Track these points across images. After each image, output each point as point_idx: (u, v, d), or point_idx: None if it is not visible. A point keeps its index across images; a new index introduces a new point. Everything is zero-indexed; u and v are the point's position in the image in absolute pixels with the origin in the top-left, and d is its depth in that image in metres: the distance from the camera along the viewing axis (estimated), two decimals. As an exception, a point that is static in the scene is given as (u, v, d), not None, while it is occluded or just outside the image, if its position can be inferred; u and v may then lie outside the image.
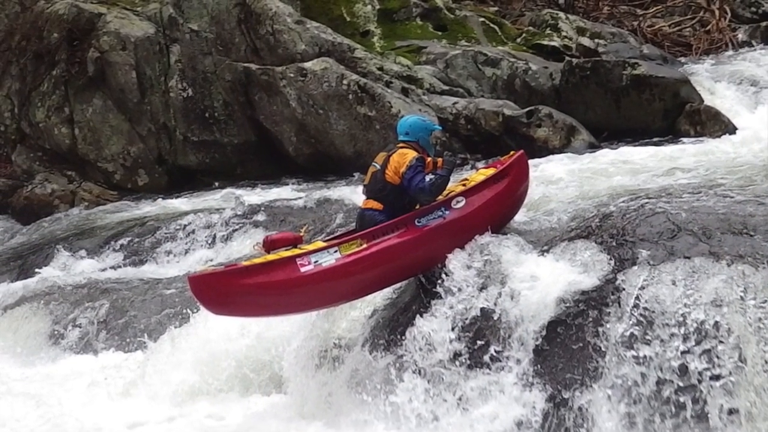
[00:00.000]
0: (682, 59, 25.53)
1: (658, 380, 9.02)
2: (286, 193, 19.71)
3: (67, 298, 15.62)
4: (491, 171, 11.20)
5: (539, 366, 9.70)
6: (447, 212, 10.64)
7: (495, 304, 10.11)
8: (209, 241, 17.04)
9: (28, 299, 15.89)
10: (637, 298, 9.39)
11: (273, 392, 11.88)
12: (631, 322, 9.30)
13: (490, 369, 9.89)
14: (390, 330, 10.80)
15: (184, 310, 13.43)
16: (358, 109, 20.48)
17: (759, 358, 8.78)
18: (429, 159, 10.84)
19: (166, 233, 17.57)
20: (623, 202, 11.65)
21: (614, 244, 10.12)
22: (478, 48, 22.46)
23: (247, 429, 11.15)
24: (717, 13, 27.71)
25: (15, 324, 15.59)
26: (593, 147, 18.96)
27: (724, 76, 22.34)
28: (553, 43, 23.51)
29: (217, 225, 17.23)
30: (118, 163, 22.49)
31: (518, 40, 23.98)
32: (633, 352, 9.17)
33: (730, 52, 26.06)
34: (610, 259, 9.93)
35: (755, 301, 9.00)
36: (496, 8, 27.21)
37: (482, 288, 10.27)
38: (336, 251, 10.43)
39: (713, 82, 21.94)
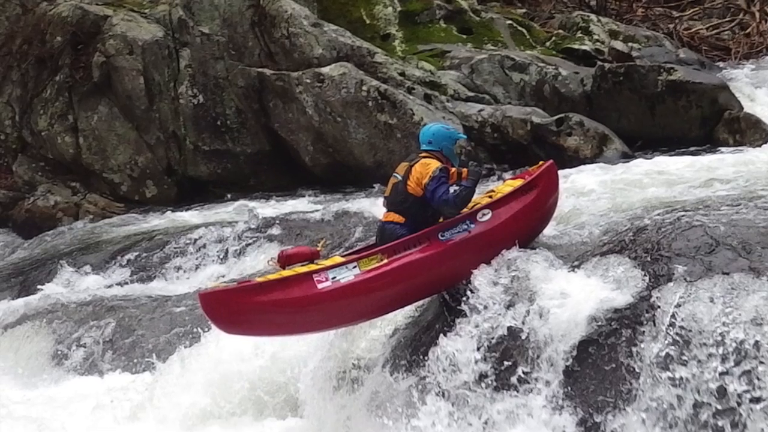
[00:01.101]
0: (721, 64, 25.61)
1: (695, 403, 9.00)
2: (302, 205, 19.74)
3: (71, 316, 15.67)
4: (519, 182, 11.19)
5: (569, 388, 9.71)
6: (472, 225, 10.63)
7: (523, 323, 10.09)
8: (221, 256, 17.08)
9: (30, 317, 15.95)
10: (673, 316, 9.38)
11: (288, 416, 11.89)
12: (666, 342, 9.29)
13: (517, 391, 9.89)
14: (412, 350, 10.82)
15: (195, 329, 13.46)
16: (378, 116, 20.52)
17: (801, 379, 8.80)
18: (453, 169, 10.80)
19: (175, 248, 17.62)
20: (658, 214, 11.65)
21: (649, 259, 10.12)
22: (505, 52, 22.52)
23: (261, 454, 11.23)
24: (757, 15, 27.76)
25: (16, 344, 15.65)
26: (627, 157, 18.97)
27: (765, 82, 22.40)
28: (584, 47, 23.56)
29: (229, 239, 17.27)
30: (124, 173, 22.56)
31: (547, 43, 24.06)
32: (668, 374, 9.17)
33: (772, 57, 26.14)
34: (645, 275, 9.93)
35: (798, 320, 9.01)
36: (524, 10, 27.32)
37: (509, 306, 10.26)
38: (355, 267, 10.44)
39: (753, 88, 21.98)
